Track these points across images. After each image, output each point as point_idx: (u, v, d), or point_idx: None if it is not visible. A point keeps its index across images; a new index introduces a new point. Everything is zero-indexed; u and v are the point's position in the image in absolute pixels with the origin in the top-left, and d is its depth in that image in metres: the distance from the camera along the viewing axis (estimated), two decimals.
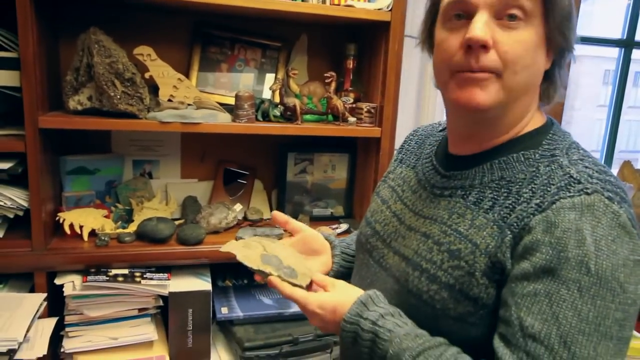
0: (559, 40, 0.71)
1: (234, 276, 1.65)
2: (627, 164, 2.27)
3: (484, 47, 0.68)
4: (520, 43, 0.68)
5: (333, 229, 1.61)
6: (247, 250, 0.87)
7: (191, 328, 1.40)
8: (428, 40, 0.80)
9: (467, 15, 0.70)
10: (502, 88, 0.70)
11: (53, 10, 1.42)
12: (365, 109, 1.57)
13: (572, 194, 0.64)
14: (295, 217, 1.71)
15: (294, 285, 0.81)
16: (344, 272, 0.99)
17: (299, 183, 1.74)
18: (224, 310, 1.45)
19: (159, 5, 1.46)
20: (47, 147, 1.33)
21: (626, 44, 2.36)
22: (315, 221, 1.71)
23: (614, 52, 2.44)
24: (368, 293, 0.77)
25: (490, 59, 0.68)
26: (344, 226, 1.65)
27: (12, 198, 1.28)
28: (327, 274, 0.99)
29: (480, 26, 0.67)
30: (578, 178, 0.66)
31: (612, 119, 2.48)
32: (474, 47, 0.68)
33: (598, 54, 5.06)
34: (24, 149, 1.24)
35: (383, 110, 1.57)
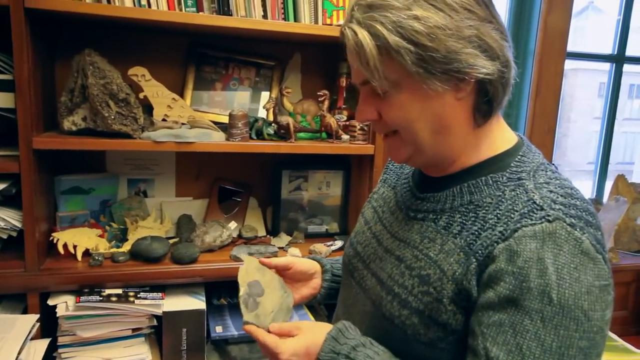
0: (456, 76, 0.67)
1: (228, 294, 1.64)
2: (620, 178, 2.28)
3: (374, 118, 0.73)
4: (398, 106, 0.70)
5: (328, 245, 1.61)
6: (256, 273, 0.90)
7: (185, 348, 1.39)
8: None
9: None
10: (406, 144, 0.74)
11: (48, 32, 1.43)
12: (358, 127, 1.58)
13: (533, 222, 0.64)
14: (290, 234, 1.71)
15: (247, 321, 0.83)
16: (335, 294, 0.99)
17: (293, 200, 1.75)
18: (219, 329, 1.45)
19: (153, 27, 1.48)
20: (41, 168, 1.33)
21: (617, 59, 2.39)
22: (310, 238, 1.72)
23: (608, 65, 2.46)
24: (337, 327, 0.78)
25: (382, 126, 0.75)
26: (338, 243, 1.65)
27: (5, 219, 1.29)
28: (315, 296, 0.99)
29: (360, 108, 0.75)
30: (541, 204, 0.65)
31: (605, 132, 2.50)
32: None
33: (592, 67, 5.11)
34: (18, 169, 1.25)
35: None
